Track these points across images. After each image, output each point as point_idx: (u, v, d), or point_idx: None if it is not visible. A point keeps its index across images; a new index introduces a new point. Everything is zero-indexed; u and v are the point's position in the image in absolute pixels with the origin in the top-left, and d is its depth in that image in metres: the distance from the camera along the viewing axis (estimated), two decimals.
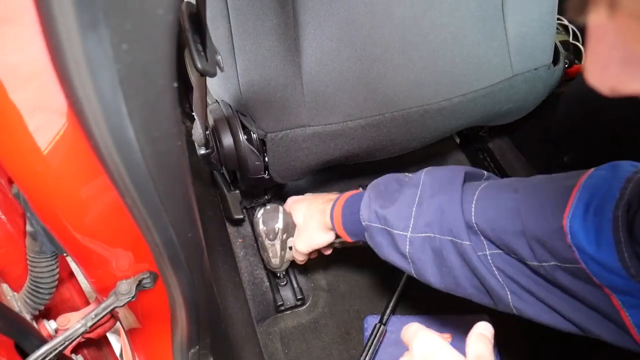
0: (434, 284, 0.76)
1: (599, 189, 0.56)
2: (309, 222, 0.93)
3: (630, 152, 1.01)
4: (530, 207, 0.62)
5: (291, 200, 1.00)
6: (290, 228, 0.96)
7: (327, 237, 0.92)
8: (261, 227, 0.97)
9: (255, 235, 1.00)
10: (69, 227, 0.51)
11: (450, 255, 0.70)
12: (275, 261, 1.01)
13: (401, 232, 0.74)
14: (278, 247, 0.98)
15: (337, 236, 0.92)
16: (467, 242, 0.68)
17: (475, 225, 0.68)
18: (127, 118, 0.34)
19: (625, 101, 1.01)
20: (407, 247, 0.74)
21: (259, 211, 0.98)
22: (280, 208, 0.98)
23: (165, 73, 0.33)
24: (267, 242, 0.98)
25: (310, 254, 0.98)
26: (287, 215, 0.97)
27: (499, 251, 0.67)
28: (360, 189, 0.92)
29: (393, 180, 0.83)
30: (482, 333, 0.57)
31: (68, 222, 0.51)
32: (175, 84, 0.35)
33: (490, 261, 0.67)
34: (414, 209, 0.74)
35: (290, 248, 0.99)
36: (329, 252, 1.03)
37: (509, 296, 0.67)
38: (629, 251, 0.52)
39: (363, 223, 0.80)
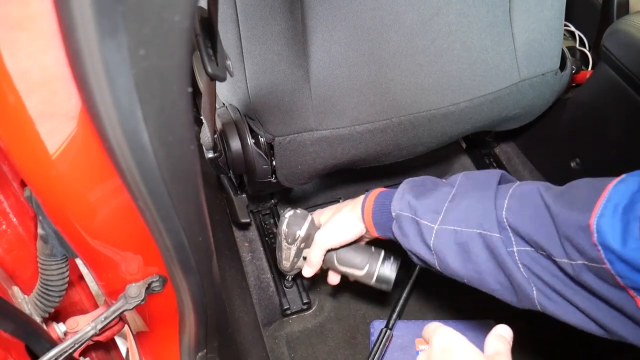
0: (458, 273, 0.76)
1: (629, 190, 0.57)
2: (337, 216, 0.91)
3: (637, 158, 1.01)
4: (562, 205, 0.62)
5: (318, 210, 0.98)
6: (310, 240, 0.94)
7: (352, 231, 0.89)
8: (284, 228, 0.96)
9: (276, 232, 1.00)
10: (80, 230, 0.51)
11: (476, 249, 0.71)
12: (285, 264, 1.01)
13: (429, 224, 0.75)
14: (293, 252, 0.97)
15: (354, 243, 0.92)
16: (497, 235, 0.68)
17: (505, 220, 0.68)
18: (142, 122, 0.34)
19: (632, 107, 1.01)
20: (433, 238, 0.75)
21: (287, 211, 0.96)
22: (309, 217, 0.96)
23: (180, 78, 0.33)
24: (284, 244, 0.97)
25: (323, 263, 0.95)
26: (313, 227, 0.95)
27: (528, 248, 0.67)
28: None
29: (429, 179, 0.84)
30: (501, 334, 0.58)
31: (79, 225, 0.51)
32: (190, 89, 0.35)
33: (517, 258, 0.68)
34: (446, 204, 0.75)
35: (305, 258, 0.98)
36: (336, 281, 1.01)
37: (534, 292, 0.67)
38: None
39: (393, 213, 0.81)
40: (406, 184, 0.83)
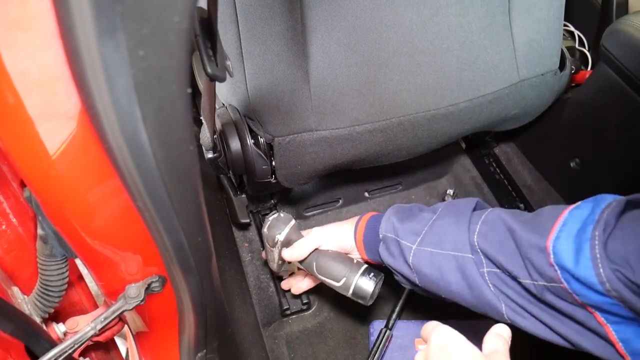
0: (436, 291, 0.81)
1: (582, 215, 0.62)
2: (337, 223, 0.97)
3: (637, 158, 1.01)
4: (525, 230, 0.66)
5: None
6: (291, 244, 0.95)
7: (344, 240, 0.94)
8: (264, 231, 0.97)
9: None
10: (80, 230, 0.51)
11: (449, 269, 0.76)
12: (272, 265, 1.02)
13: (409, 244, 0.81)
14: (276, 255, 0.98)
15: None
16: (470, 256, 0.73)
17: (476, 243, 0.73)
18: (140, 122, 0.34)
19: (632, 107, 1.01)
20: (411, 257, 0.80)
21: (272, 214, 0.98)
22: (292, 222, 0.96)
23: (179, 79, 0.33)
24: (267, 245, 0.99)
25: (303, 264, 0.97)
26: (294, 232, 0.96)
27: (496, 270, 0.72)
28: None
29: (416, 206, 0.90)
30: (499, 333, 0.59)
31: (79, 225, 0.51)
32: (190, 90, 0.35)
33: (487, 278, 0.72)
34: (426, 228, 0.81)
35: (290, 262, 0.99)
36: (298, 290, 1.08)
37: (504, 308, 0.72)
38: (605, 267, 0.56)
39: (380, 234, 0.86)
40: (392, 209, 0.89)
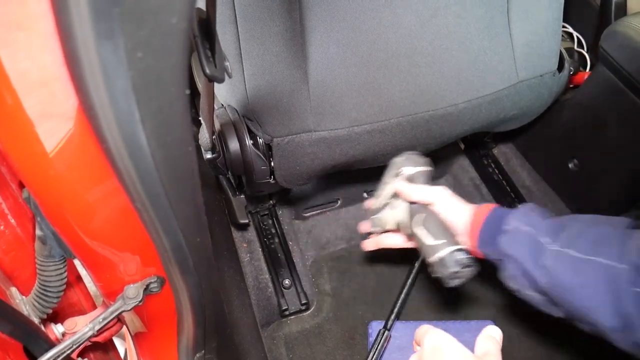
0: (560, 299, 0.73)
1: None
2: (455, 197, 0.89)
3: (635, 159, 1.02)
4: None
5: None
6: (415, 214, 0.88)
7: (456, 215, 0.86)
8: (397, 159, 0.94)
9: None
10: (78, 231, 0.51)
11: (594, 279, 0.67)
12: (374, 203, 0.97)
13: (548, 241, 0.73)
14: (388, 190, 0.94)
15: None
16: (625, 266, 0.65)
17: (633, 259, 0.65)
18: (139, 123, 0.34)
19: (630, 108, 1.01)
20: (548, 256, 0.72)
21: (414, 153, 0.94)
22: (427, 169, 0.92)
23: (178, 80, 0.33)
24: (386, 177, 0.94)
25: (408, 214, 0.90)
26: (422, 176, 0.92)
27: None
28: None
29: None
30: (491, 335, 0.59)
31: (77, 226, 0.51)
32: (188, 91, 0.35)
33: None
34: (574, 231, 0.73)
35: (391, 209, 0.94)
36: (370, 246, 1.03)
37: None
38: None
39: (508, 226, 0.78)
40: (528, 205, 0.81)
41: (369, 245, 1.05)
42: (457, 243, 0.83)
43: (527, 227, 0.76)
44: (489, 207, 0.84)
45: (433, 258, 0.84)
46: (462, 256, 0.82)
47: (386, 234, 1.01)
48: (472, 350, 0.58)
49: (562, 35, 1.23)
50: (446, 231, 0.85)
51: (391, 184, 0.93)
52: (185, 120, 0.37)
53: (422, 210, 0.88)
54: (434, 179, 1.41)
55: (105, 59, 0.30)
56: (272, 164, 0.94)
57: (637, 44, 0.94)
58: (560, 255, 0.71)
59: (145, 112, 0.34)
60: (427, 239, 0.85)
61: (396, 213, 0.94)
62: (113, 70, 0.31)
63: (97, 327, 0.58)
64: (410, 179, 0.91)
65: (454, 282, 0.85)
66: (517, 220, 0.78)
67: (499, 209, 0.83)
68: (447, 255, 0.82)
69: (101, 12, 0.28)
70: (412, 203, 0.90)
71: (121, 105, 0.33)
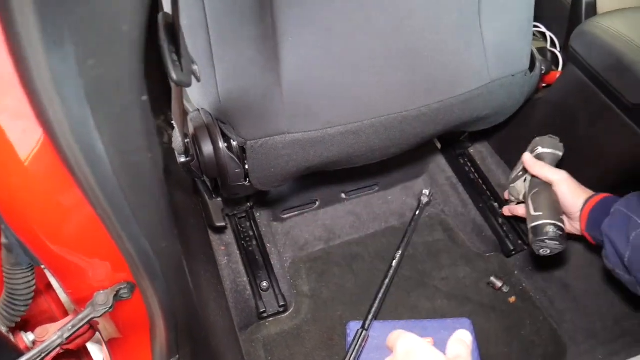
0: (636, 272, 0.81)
1: None
2: (575, 182, 0.98)
3: (605, 155, 1.03)
4: None
5: None
6: (537, 189, 0.99)
7: (570, 199, 0.95)
8: (538, 138, 1.07)
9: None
10: (44, 239, 0.51)
11: None
12: (511, 174, 1.11)
13: (638, 220, 0.81)
14: (520, 168, 1.07)
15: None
16: None
17: None
18: (95, 131, 0.34)
19: (599, 106, 1.03)
20: (634, 233, 0.80)
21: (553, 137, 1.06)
22: (559, 154, 1.05)
23: (132, 87, 0.33)
24: (528, 151, 1.07)
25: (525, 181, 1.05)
26: (550, 157, 1.04)
27: None
28: None
29: None
30: (461, 338, 0.59)
31: (43, 234, 0.51)
32: (145, 98, 0.35)
33: None
34: None
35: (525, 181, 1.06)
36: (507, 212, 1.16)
37: None
38: None
39: (612, 209, 0.86)
40: (635, 193, 0.88)
41: (505, 211, 1.19)
42: (553, 219, 0.93)
43: (624, 208, 0.84)
44: (602, 195, 0.93)
45: (530, 226, 0.96)
46: (552, 229, 0.92)
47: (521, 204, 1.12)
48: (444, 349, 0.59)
49: (535, 35, 1.25)
50: (550, 207, 0.95)
51: (526, 158, 1.04)
52: (144, 127, 0.37)
53: (539, 185, 0.99)
54: (411, 179, 1.43)
55: (55, 67, 0.30)
56: (247, 166, 0.93)
57: (605, 44, 0.96)
58: None
59: (101, 119, 0.34)
60: (531, 209, 0.97)
61: (525, 185, 1.06)
62: (64, 78, 0.30)
63: (66, 335, 0.57)
64: (540, 157, 1.04)
65: (542, 252, 0.96)
66: (620, 204, 0.86)
67: (611, 197, 0.91)
68: (539, 225, 0.93)
69: (49, 20, 0.28)
70: (534, 177, 1.02)
71: (75, 113, 0.33)
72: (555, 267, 1.23)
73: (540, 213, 0.94)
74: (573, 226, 0.98)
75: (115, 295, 0.58)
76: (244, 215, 1.27)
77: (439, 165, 1.45)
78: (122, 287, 0.58)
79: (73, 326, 0.57)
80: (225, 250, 1.23)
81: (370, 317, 1.09)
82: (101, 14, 0.29)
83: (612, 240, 0.84)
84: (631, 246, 0.81)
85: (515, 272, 1.28)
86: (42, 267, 0.66)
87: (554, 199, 0.96)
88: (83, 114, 0.33)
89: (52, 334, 0.63)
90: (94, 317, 0.57)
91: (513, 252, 1.28)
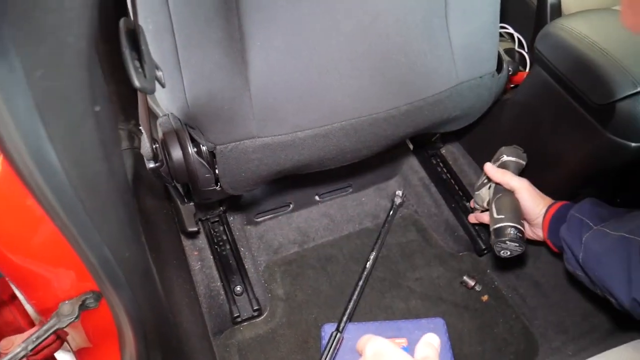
0: (590, 271, 0.85)
1: None
2: (537, 191, 1.02)
3: (571, 156, 1.05)
4: None
5: None
6: (498, 196, 1.03)
7: (532, 208, 1.00)
8: (504, 148, 1.12)
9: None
10: (2, 249, 0.50)
11: (615, 248, 0.80)
12: (477, 182, 1.16)
13: (590, 224, 0.86)
14: (484, 178, 1.12)
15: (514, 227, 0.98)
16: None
17: None
18: (47, 142, 0.34)
19: (563, 106, 1.05)
20: (586, 235, 0.85)
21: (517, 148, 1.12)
22: (522, 163, 1.10)
23: (84, 98, 0.33)
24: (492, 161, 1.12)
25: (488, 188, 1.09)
26: (514, 167, 1.09)
27: None
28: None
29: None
30: (429, 342, 0.61)
31: (1, 244, 0.50)
32: (98, 108, 0.35)
33: None
34: (615, 218, 0.86)
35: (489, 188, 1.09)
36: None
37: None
38: None
39: (568, 215, 0.91)
40: (591, 199, 0.93)
41: (470, 219, 1.25)
42: (514, 222, 0.97)
43: (580, 214, 0.89)
44: (561, 203, 0.98)
45: (492, 228, 1.00)
46: (512, 231, 0.96)
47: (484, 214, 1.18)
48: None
49: (503, 36, 1.27)
50: (512, 211, 0.99)
51: (491, 166, 1.09)
52: (99, 137, 0.37)
53: (502, 191, 1.04)
54: (384, 180, 1.44)
55: (2, 79, 0.29)
56: (217, 171, 0.93)
57: (569, 46, 0.98)
58: (598, 232, 0.84)
59: (52, 130, 0.33)
60: (494, 212, 1.01)
61: (489, 192, 1.10)
62: (12, 89, 0.30)
63: (30, 347, 0.57)
64: (504, 165, 1.09)
65: (503, 253, 0.99)
66: (575, 210, 0.91)
67: (568, 205, 0.96)
68: (501, 227, 0.97)
69: None
70: (497, 185, 1.06)
71: (25, 124, 0.32)
72: (526, 265, 1.25)
73: (502, 216, 0.99)
74: (535, 232, 1.03)
75: (81, 305, 0.58)
76: (217, 219, 1.27)
77: (412, 166, 1.46)
78: (88, 296, 0.58)
79: (38, 337, 0.57)
80: (198, 255, 1.22)
81: (344, 319, 1.09)
82: (46, 25, 0.28)
83: (568, 244, 0.89)
84: (583, 246, 0.85)
85: (488, 271, 1.29)
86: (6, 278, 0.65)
87: (516, 204, 1.01)
88: (34, 126, 0.32)
89: (16, 346, 0.62)
90: (60, 328, 0.56)
91: (485, 251, 1.29)
